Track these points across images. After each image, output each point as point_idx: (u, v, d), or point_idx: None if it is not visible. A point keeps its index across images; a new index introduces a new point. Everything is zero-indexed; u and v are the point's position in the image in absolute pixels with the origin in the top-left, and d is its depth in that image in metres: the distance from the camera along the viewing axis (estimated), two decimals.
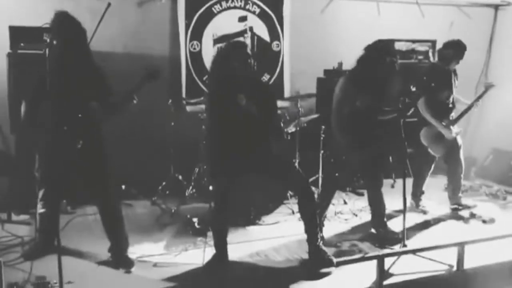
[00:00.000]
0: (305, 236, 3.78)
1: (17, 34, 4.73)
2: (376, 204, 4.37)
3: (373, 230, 4.45)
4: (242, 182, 3.91)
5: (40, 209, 3.74)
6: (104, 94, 3.56)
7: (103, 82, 3.61)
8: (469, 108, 4.96)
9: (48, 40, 3.26)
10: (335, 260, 3.69)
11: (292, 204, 4.91)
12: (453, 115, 4.98)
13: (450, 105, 4.93)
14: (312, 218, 3.75)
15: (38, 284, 3.26)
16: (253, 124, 3.52)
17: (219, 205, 3.74)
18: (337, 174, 4.00)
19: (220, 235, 3.80)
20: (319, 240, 3.77)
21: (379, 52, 4.01)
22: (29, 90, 3.53)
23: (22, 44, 4.71)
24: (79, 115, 3.40)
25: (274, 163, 3.69)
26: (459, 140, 5.01)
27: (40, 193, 3.72)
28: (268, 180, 4.24)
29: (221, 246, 3.79)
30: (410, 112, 4.25)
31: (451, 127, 4.87)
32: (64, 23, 3.45)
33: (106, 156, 3.68)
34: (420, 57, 6.17)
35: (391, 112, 4.16)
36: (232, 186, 3.72)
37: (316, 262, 3.71)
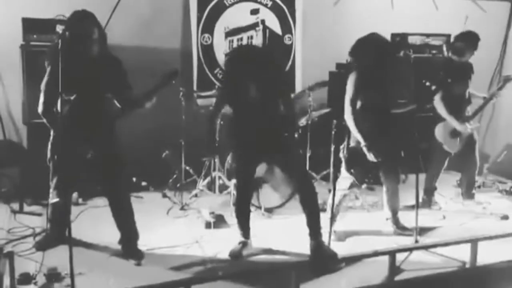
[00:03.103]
0: None
1: (30, 26, 4.74)
2: (391, 200, 4.33)
3: (385, 225, 4.42)
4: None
5: (53, 199, 3.74)
6: (121, 88, 3.55)
7: (121, 76, 3.59)
8: (486, 103, 4.88)
9: (62, 32, 3.26)
10: (338, 255, 3.68)
11: None
12: (469, 109, 4.91)
13: (466, 100, 4.86)
14: (313, 211, 3.79)
15: (50, 275, 3.28)
16: (266, 111, 3.58)
17: (240, 186, 3.85)
18: (352, 171, 3.97)
19: (243, 217, 3.90)
20: (321, 234, 3.78)
21: (369, 46, 3.97)
22: (44, 80, 3.53)
23: (35, 36, 4.72)
24: (93, 110, 3.40)
25: (283, 150, 3.73)
26: (476, 136, 4.94)
27: (53, 183, 3.72)
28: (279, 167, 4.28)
29: (244, 230, 3.90)
30: (429, 105, 4.20)
31: (468, 123, 4.79)
32: (87, 17, 3.45)
33: (118, 148, 3.68)
34: (434, 51, 6.09)
35: (407, 104, 4.12)
36: (252, 168, 3.83)
37: (318, 257, 3.71)
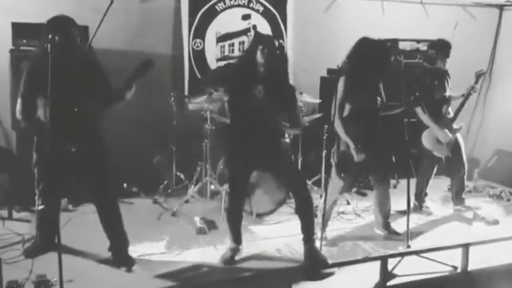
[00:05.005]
0: None
1: (19, 30, 4.71)
2: (382, 205, 4.34)
3: (376, 231, 4.42)
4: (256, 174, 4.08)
5: (39, 206, 3.71)
6: (104, 92, 3.53)
7: (102, 79, 3.57)
8: (464, 100, 4.89)
9: (52, 37, 3.24)
10: (329, 261, 3.68)
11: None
12: (450, 111, 4.94)
13: (446, 105, 4.88)
14: (309, 217, 3.79)
15: (39, 282, 3.23)
16: (267, 117, 3.56)
17: (232, 193, 3.82)
18: (342, 175, 3.98)
19: (235, 223, 3.88)
20: (315, 240, 3.78)
21: (363, 51, 3.99)
22: (21, 85, 3.50)
23: (24, 41, 4.68)
24: (75, 110, 3.38)
25: (279, 157, 3.72)
26: (461, 140, 4.97)
27: (39, 189, 3.68)
28: (272, 177, 4.29)
29: (236, 236, 3.88)
30: (418, 106, 4.24)
31: (452, 125, 4.82)
32: (62, 21, 3.44)
33: (104, 154, 3.64)
34: None
35: (396, 107, 4.15)
36: (246, 174, 3.82)
37: (311, 263, 3.71)
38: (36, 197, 3.71)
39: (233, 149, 3.77)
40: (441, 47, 4.81)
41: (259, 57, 3.55)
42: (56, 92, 3.08)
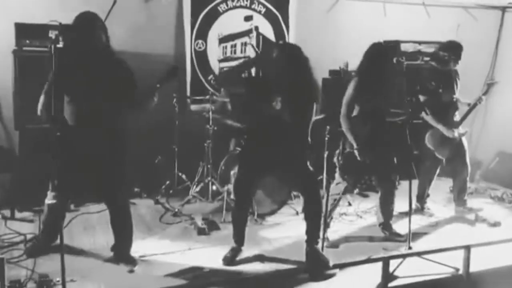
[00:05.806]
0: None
1: (23, 31, 4.72)
2: (386, 206, 4.34)
3: (379, 227, 4.42)
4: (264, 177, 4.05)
5: (50, 200, 3.67)
6: (129, 90, 3.47)
7: (128, 77, 3.51)
8: (472, 107, 4.91)
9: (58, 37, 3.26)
10: (331, 262, 3.67)
11: (296, 204, 4.90)
12: (457, 114, 4.94)
13: (453, 107, 4.89)
14: (316, 221, 3.78)
15: (41, 282, 3.25)
16: (282, 124, 3.55)
17: (240, 196, 3.84)
18: (345, 176, 4.00)
19: (239, 225, 3.87)
20: (318, 242, 3.78)
21: (377, 56, 4.03)
22: (47, 82, 3.47)
23: (27, 41, 4.70)
24: (100, 110, 3.38)
25: (293, 163, 3.71)
26: (465, 142, 4.97)
27: (53, 185, 3.61)
28: (278, 179, 4.31)
29: (239, 238, 3.87)
30: (421, 114, 4.25)
31: (456, 129, 4.82)
32: (87, 18, 3.42)
33: (124, 156, 3.60)
34: (426, 58, 6.13)
35: (401, 114, 4.17)
36: (257, 179, 3.85)
37: (312, 264, 3.71)
38: (49, 191, 3.68)
39: (248, 154, 3.78)
40: (455, 49, 4.79)
41: (272, 65, 3.59)
42: (80, 91, 3.05)
